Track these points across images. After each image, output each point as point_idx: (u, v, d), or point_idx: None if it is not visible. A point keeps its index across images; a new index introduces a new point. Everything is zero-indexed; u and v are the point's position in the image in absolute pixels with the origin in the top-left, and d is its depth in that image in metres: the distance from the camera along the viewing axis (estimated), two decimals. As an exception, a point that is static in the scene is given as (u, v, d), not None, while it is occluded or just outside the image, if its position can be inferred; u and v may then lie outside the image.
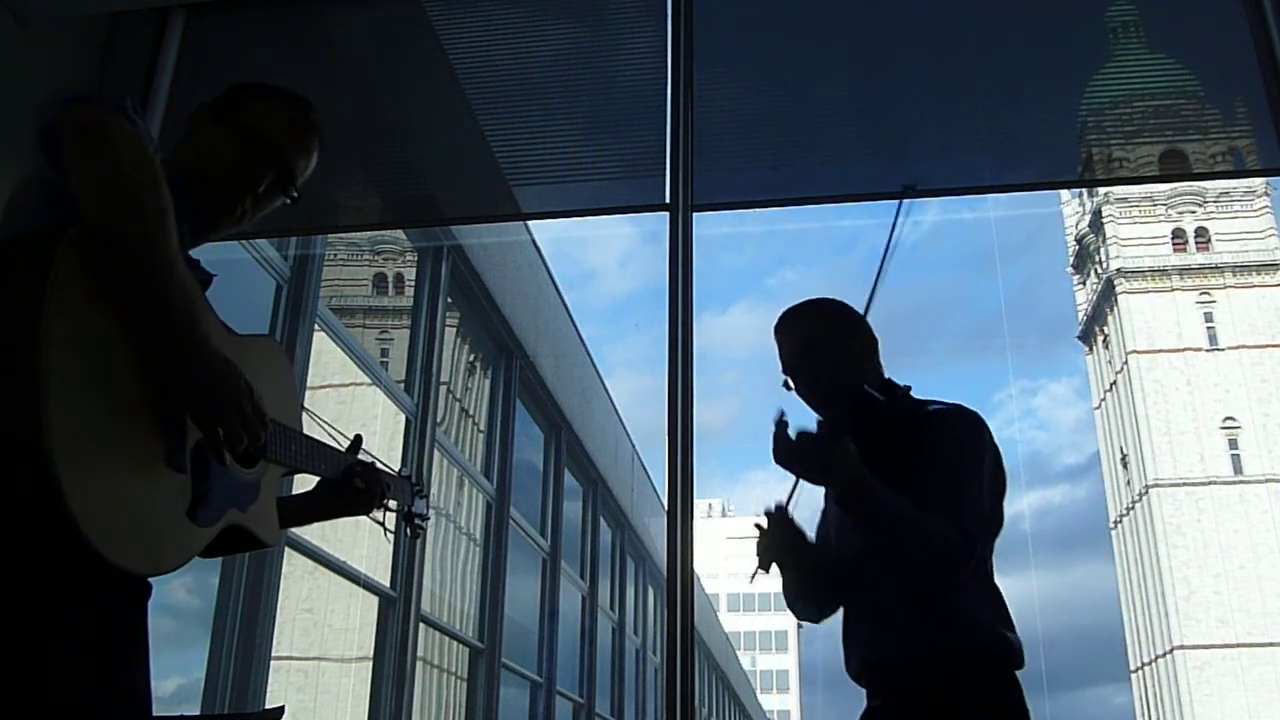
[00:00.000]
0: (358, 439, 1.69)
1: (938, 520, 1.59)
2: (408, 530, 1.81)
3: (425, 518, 1.84)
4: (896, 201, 1.79)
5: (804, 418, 1.74)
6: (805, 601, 1.84)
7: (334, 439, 1.65)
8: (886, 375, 1.82)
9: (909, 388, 1.78)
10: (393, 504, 1.73)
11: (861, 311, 1.76)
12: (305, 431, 1.53)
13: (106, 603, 1.20)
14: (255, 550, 1.45)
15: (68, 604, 1.15)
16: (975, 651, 1.60)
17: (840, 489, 1.65)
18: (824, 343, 1.78)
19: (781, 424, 1.65)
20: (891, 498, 1.61)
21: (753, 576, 1.80)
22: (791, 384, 1.80)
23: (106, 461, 1.10)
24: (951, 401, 1.75)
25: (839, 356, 1.73)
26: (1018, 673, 1.61)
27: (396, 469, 1.77)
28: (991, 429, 1.72)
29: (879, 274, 1.74)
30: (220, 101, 1.46)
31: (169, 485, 1.19)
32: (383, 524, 1.73)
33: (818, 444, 1.62)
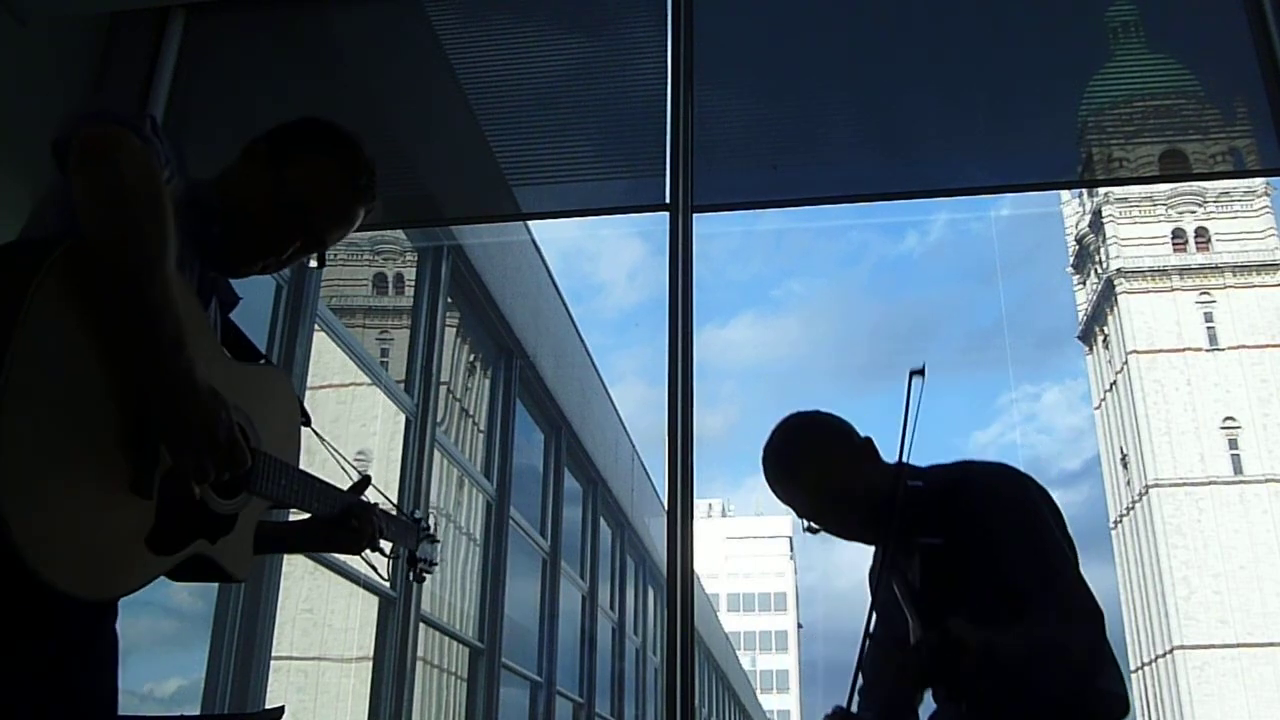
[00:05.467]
0: (365, 479, 1.65)
1: (1060, 632, 1.46)
2: (411, 575, 1.77)
3: (433, 562, 1.81)
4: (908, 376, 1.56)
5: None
6: None
7: (341, 465, 1.62)
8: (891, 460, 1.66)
9: (915, 467, 1.64)
10: (387, 547, 1.68)
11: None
12: (306, 463, 1.49)
13: (62, 621, 1.18)
14: (222, 582, 1.41)
15: (20, 625, 1.12)
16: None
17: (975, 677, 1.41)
18: (830, 481, 1.64)
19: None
20: (1016, 648, 1.39)
21: None
22: (817, 528, 1.67)
23: (60, 482, 1.06)
24: (979, 462, 1.67)
25: (853, 483, 1.62)
26: None
27: (409, 511, 1.74)
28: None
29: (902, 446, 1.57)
30: (277, 142, 1.41)
31: (129, 511, 1.14)
32: (378, 569, 1.68)
33: (934, 658, 1.37)
